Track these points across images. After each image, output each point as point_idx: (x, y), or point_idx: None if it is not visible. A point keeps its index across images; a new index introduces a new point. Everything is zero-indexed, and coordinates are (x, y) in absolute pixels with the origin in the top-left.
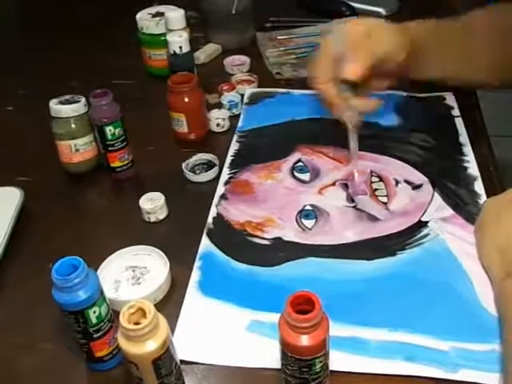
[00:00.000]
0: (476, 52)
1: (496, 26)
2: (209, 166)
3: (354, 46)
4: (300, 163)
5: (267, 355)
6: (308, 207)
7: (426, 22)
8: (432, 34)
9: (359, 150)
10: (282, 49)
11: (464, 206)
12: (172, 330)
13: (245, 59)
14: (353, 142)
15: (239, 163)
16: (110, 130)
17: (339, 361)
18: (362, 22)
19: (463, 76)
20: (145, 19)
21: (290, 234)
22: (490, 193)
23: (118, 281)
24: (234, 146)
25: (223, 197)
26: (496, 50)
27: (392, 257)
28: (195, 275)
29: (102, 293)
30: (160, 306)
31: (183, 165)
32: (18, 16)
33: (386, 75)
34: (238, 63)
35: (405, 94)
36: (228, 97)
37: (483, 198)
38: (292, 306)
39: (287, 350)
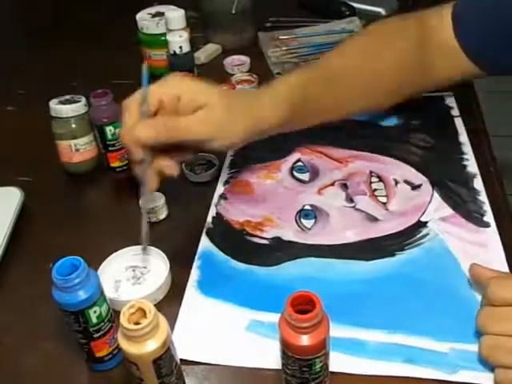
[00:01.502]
0: (349, 99)
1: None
2: (209, 165)
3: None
4: (299, 163)
5: (267, 355)
6: (307, 207)
7: (294, 80)
8: (301, 97)
9: (359, 149)
10: (284, 48)
11: (463, 204)
12: (172, 329)
13: (245, 59)
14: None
15: (239, 163)
16: (110, 130)
17: (338, 362)
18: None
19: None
20: (145, 19)
21: (290, 233)
22: (489, 193)
23: (118, 281)
24: None
25: (223, 196)
26: (367, 93)
27: (391, 257)
28: (194, 275)
29: (102, 293)
30: (160, 306)
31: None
32: (17, 16)
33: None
34: (237, 63)
35: None
36: None
37: (483, 195)
38: (292, 305)
39: (287, 349)
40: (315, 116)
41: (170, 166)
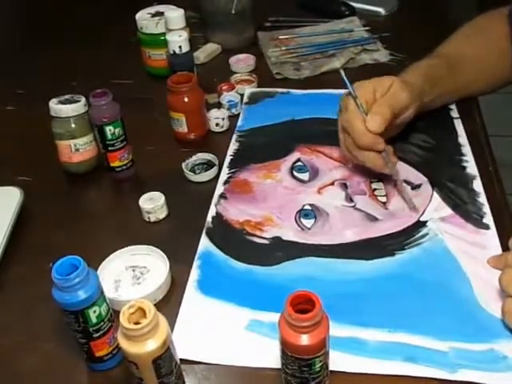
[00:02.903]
0: (467, 83)
1: (479, 52)
2: (208, 165)
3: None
4: (299, 163)
5: (266, 355)
6: (307, 207)
7: (416, 70)
8: (427, 85)
9: None
10: (283, 48)
11: (463, 205)
12: (172, 329)
13: (250, 58)
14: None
15: (238, 163)
16: (109, 130)
17: (338, 361)
18: (383, 79)
19: (462, 98)
20: (144, 19)
21: (289, 233)
22: (489, 193)
23: (118, 280)
24: (233, 146)
25: (222, 196)
26: (484, 74)
27: (391, 257)
28: (194, 274)
29: (102, 292)
30: (160, 306)
31: (183, 164)
32: (18, 16)
33: (395, 127)
34: (243, 62)
35: None
36: (227, 96)
37: (482, 197)
38: (292, 305)
39: (287, 349)
40: (438, 101)
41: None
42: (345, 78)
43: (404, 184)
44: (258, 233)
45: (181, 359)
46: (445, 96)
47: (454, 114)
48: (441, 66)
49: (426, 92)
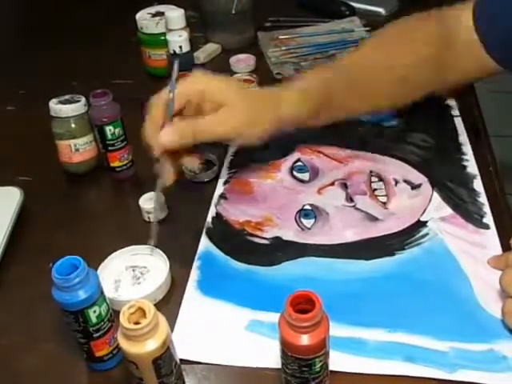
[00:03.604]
0: (370, 98)
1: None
2: (209, 165)
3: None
4: (299, 163)
5: (267, 355)
6: (307, 207)
7: (315, 79)
8: (324, 97)
9: (359, 149)
10: (283, 48)
11: (463, 205)
12: (172, 329)
13: (251, 58)
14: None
15: (239, 163)
16: (109, 130)
17: (338, 361)
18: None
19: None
20: (144, 19)
21: (290, 233)
22: (489, 192)
23: (118, 280)
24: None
25: (222, 196)
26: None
27: (391, 257)
28: (194, 275)
29: (102, 292)
30: (160, 306)
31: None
32: (17, 16)
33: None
34: (243, 62)
35: None
36: None
37: (482, 197)
38: (292, 305)
39: (287, 349)
40: (336, 113)
41: (191, 161)
42: (175, 67)
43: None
44: (258, 233)
45: (181, 359)
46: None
47: (455, 112)
48: (340, 81)
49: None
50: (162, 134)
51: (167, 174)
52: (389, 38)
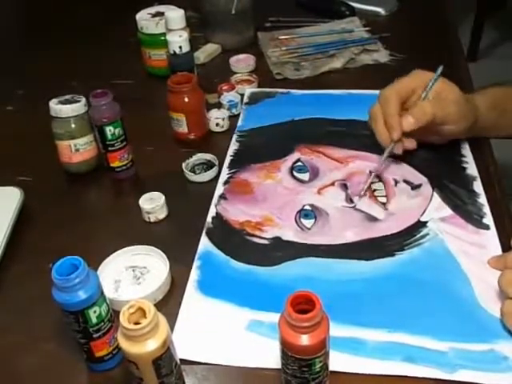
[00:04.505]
0: None
1: None
2: (208, 165)
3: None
4: (299, 163)
5: (267, 355)
6: (307, 207)
7: (488, 93)
8: (491, 109)
9: (359, 149)
10: (283, 48)
11: (463, 206)
12: (172, 329)
13: (251, 58)
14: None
15: (238, 163)
16: (109, 130)
17: (338, 361)
18: (443, 81)
19: None
20: (145, 19)
21: (289, 233)
22: (489, 193)
23: (118, 281)
24: (233, 146)
25: (222, 196)
26: None
27: (391, 257)
28: (194, 275)
29: (102, 293)
30: (160, 306)
31: (183, 165)
32: (17, 16)
33: (439, 134)
34: (243, 62)
35: None
36: (227, 97)
37: (482, 197)
38: (292, 305)
39: (287, 349)
40: (493, 130)
41: (410, 142)
42: (439, 71)
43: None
44: (258, 233)
45: (181, 359)
46: (507, 127)
47: None
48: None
49: (490, 119)
50: (403, 121)
51: (401, 145)
52: None
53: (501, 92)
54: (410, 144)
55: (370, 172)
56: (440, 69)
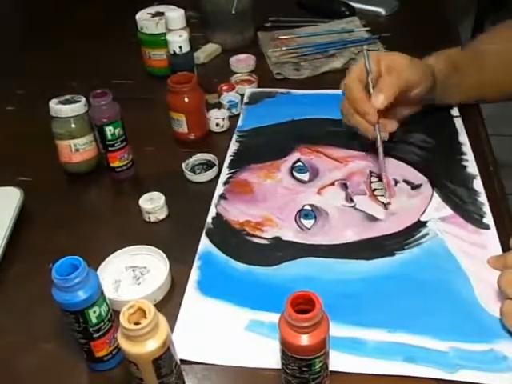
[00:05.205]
0: (489, 78)
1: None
2: (208, 165)
3: (380, 75)
4: (299, 163)
5: (267, 355)
6: (307, 207)
7: (442, 54)
8: (449, 68)
9: (359, 149)
10: (283, 48)
11: (463, 205)
12: (172, 329)
13: (251, 58)
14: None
15: (238, 163)
16: (109, 130)
17: (338, 361)
18: (386, 53)
19: (480, 98)
20: (145, 19)
21: (289, 233)
22: (489, 193)
23: (118, 281)
24: (233, 146)
25: (222, 196)
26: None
27: (391, 257)
28: (194, 275)
29: (102, 293)
30: (160, 306)
31: (183, 165)
32: (17, 16)
33: (410, 103)
34: (243, 62)
35: None
36: (227, 97)
37: (482, 197)
38: (292, 305)
39: (287, 349)
40: (457, 92)
41: (391, 123)
42: (365, 52)
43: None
44: (257, 233)
45: (181, 359)
46: (469, 89)
47: (455, 112)
48: (468, 56)
49: (445, 73)
50: (373, 100)
51: (384, 129)
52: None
53: (455, 52)
54: (391, 125)
55: (371, 172)
56: (364, 48)
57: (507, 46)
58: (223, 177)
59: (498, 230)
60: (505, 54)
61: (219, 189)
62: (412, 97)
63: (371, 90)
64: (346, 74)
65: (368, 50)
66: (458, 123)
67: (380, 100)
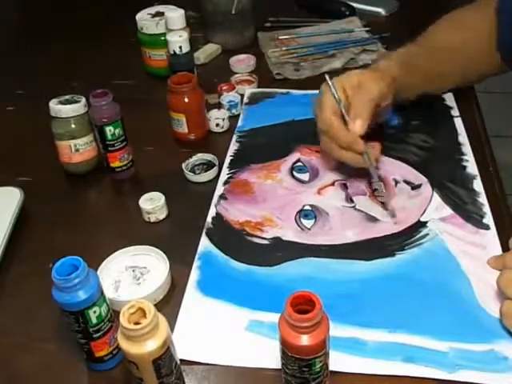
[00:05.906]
0: (442, 71)
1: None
2: (208, 165)
3: (350, 98)
4: (299, 163)
5: (267, 355)
6: (307, 207)
7: (393, 55)
8: (401, 67)
9: None
10: (283, 48)
11: (463, 205)
12: (172, 329)
13: (251, 58)
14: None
15: (238, 163)
16: (109, 130)
17: (338, 361)
18: (346, 76)
19: (435, 91)
20: (145, 19)
21: (289, 233)
22: (489, 193)
23: (118, 281)
24: (233, 146)
25: (222, 197)
26: (458, 65)
27: (391, 257)
28: (194, 275)
29: (102, 293)
30: (160, 306)
31: (183, 165)
32: (17, 16)
33: (375, 116)
34: (243, 62)
35: None
36: (227, 97)
37: (482, 197)
38: (292, 305)
39: (287, 349)
40: (412, 89)
41: (377, 144)
42: (330, 81)
43: (383, 187)
44: (258, 233)
45: (181, 359)
46: (421, 85)
47: (454, 112)
48: (417, 54)
49: (401, 78)
50: (351, 127)
51: (372, 157)
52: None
53: (404, 51)
54: (376, 149)
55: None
56: (327, 77)
57: (457, 43)
58: (223, 177)
59: (497, 230)
60: (455, 51)
61: (219, 189)
62: (383, 108)
63: (347, 118)
64: (315, 107)
65: (330, 78)
66: (458, 123)
67: (358, 125)
